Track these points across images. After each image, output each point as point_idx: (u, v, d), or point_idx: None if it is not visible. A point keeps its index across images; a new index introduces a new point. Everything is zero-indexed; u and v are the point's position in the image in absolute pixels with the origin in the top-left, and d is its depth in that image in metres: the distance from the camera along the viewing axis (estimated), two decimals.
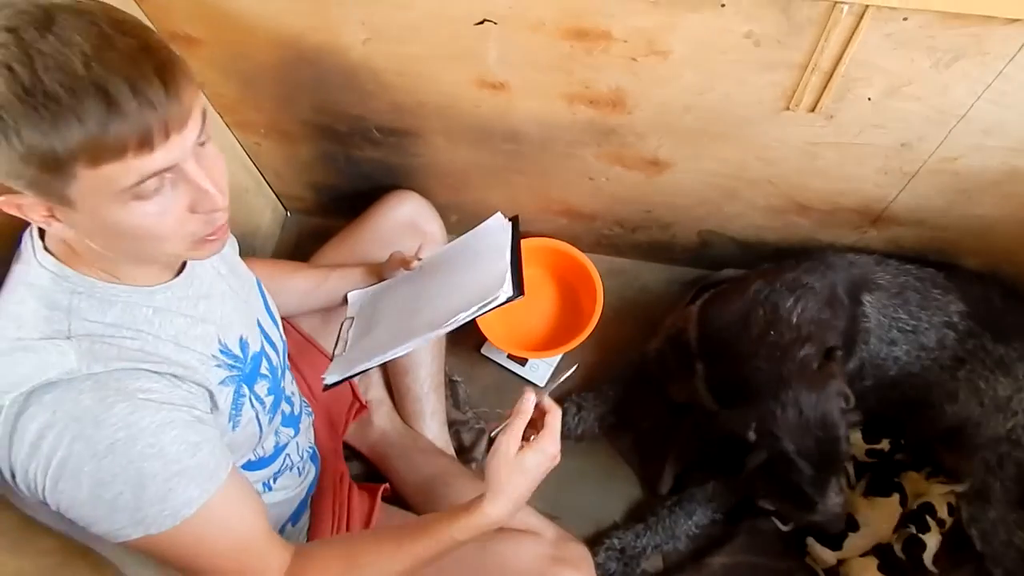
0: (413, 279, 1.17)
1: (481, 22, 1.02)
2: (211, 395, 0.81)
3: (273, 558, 0.83)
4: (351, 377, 1.06)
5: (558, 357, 1.55)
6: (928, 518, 1.29)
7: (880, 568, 1.28)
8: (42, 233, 0.75)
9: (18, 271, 0.75)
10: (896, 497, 1.33)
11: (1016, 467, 1.18)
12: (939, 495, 1.31)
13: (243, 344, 0.89)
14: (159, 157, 0.63)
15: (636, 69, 1.05)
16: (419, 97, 1.21)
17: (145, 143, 0.61)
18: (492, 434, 0.88)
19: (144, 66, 0.60)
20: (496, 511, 0.83)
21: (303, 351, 1.23)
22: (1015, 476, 1.18)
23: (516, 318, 1.58)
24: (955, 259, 1.36)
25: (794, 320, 1.16)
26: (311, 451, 1.13)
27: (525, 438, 0.85)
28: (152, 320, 0.77)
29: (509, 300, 0.98)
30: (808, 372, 1.11)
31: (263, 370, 0.94)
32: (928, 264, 1.32)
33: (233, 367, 0.86)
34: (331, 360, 1.12)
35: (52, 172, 0.61)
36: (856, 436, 1.36)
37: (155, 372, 0.74)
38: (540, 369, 1.54)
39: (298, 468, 1.07)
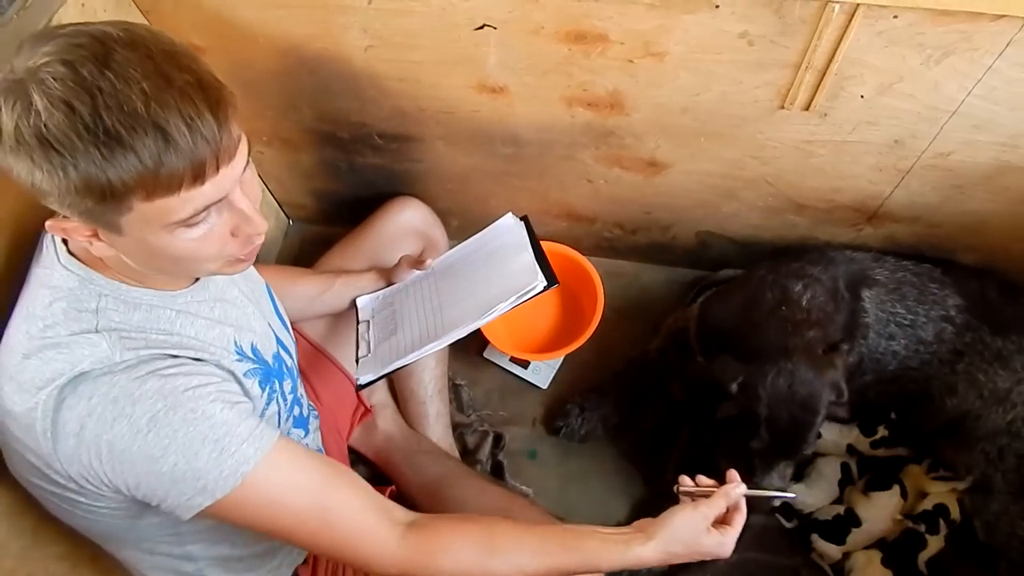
0: (428, 280, 1.20)
1: (481, 27, 1.04)
2: (239, 381, 0.81)
3: (378, 521, 0.78)
4: (388, 374, 1.10)
5: (560, 359, 1.56)
6: (941, 521, 1.29)
7: (884, 562, 1.29)
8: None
9: (41, 274, 0.77)
10: (896, 489, 1.33)
11: (1017, 459, 1.19)
12: (945, 492, 1.31)
13: (254, 349, 0.91)
14: (210, 189, 0.65)
15: (633, 71, 1.07)
16: (420, 103, 1.23)
17: (198, 176, 0.63)
18: (680, 491, 0.90)
19: (199, 103, 0.61)
20: (647, 555, 0.82)
21: (310, 358, 1.24)
22: (1016, 467, 1.18)
23: (518, 321, 1.59)
24: (951, 255, 1.38)
25: (804, 303, 1.17)
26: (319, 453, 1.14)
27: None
28: (175, 320, 0.79)
29: (545, 289, 1.05)
30: (813, 352, 1.12)
31: (284, 368, 0.96)
32: (924, 260, 1.33)
33: (250, 359, 0.87)
34: (356, 363, 1.16)
35: (107, 204, 0.62)
36: (855, 434, 1.37)
37: (183, 356, 0.76)
38: (542, 371, 1.55)
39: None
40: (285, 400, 0.94)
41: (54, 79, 0.58)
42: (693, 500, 0.87)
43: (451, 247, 1.34)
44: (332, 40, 1.12)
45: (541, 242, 1.55)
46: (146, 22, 1.15)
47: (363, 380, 1.11)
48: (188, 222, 0.66)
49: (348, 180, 1.52)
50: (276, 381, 0.91)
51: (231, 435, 0.72)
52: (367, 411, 1.33)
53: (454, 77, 1.15)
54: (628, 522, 1.37)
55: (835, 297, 1.21)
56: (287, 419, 0.96)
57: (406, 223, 1.37)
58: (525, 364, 1.55)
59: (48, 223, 0.69)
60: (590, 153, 1.29)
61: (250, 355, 0.88)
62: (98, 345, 0.71)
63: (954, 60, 0.96)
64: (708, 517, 0.84)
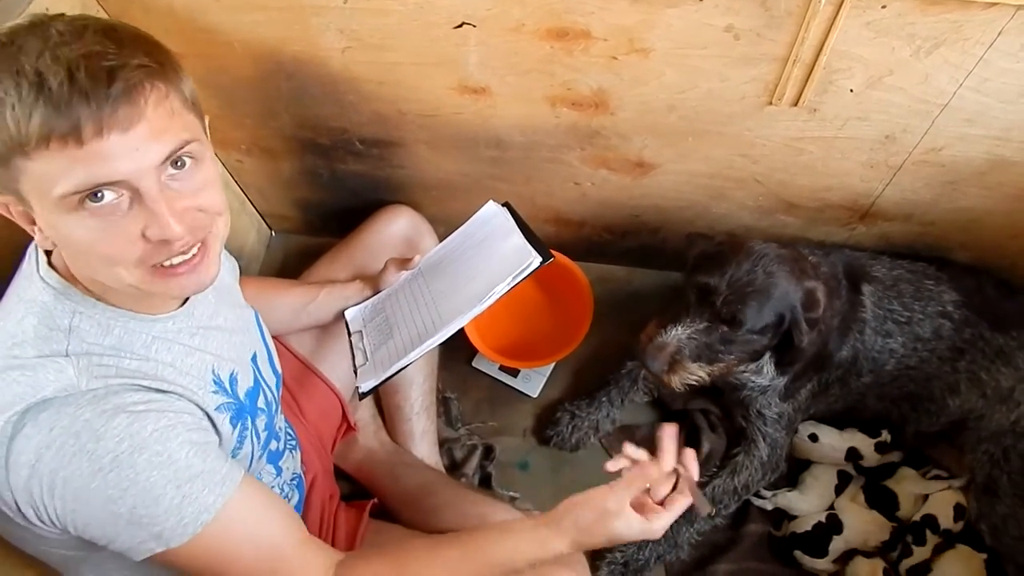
0: (418, 280, 1.18)
1: (460, 25, 1.01)
2: (210, 418, 0.79)
3: (313, 567, 0.79)
4: (390, 377, 1.07)
5: (550, 366, 1.53)
6: (928, 532, 1.26)
7: (886, 572, 1.25)
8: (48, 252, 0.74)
9: (18, 286, 0.74)
10: (876, 514, 1.31)
11: (1022, 459, 1.16)
12: (940, 494, 1.28)
13: (232, 379, 0.88)
14: (97, 162, 0.61)
15: (617, 68, 1.05)
16: (400, 106, 1.20)
17: (73, 134, 0.59)
18: (611, 469, 0.84)
19: (97, 61, 0.59)
20: (563, 548, 0.80)
21: (296, 373, 1.21)
22: (1021, 469, 1.16)
23: (507, 328, 1.56)
24: (945, 253, 1.36)
25: (805, 262, 1.14)
26: (294, 478, 1.10)
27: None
28: (150, 346, 0.75)
29: (542, 264, 1.03)
30: (795, 264, 1.09)
31: (260, 404, 0.92)
32: (919, 259, 1.31)
33: (226, 398, 0.85)
34: (355, 373, 1.12)
35: (25, 153, 0.60)
36: (860, 437, 1.34)
37: (153, 389, 0.72)
38: (532, 379, 1.52)
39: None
40: (259, 438, 0.90)
41: None
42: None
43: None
44: (308, 43, 1.10)
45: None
46: None
47: (365, 388, 1.07)
48: (82, 201, 0.62)
49: (330, 188, 1.49)
50: (249, 418, 0.88)
51: (194, 480, 0.70)
52: (351, 428, 1.30)
53: (434, 78, 1.12)
54: None
55: (835, 284, 1.18)
56: (260, 456, 0.93)
57: (397, 232, 1.34)
58: (515, 372, 1.52)
59: None
60: (576, 155, 1.27)
61: (227, 386, 0.85)
62: (64, 371, 0.68)
63: (945, 51, 0.94)
64: (621, 500, 0.79)
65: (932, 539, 1.25)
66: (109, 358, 0.71)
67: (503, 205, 1.19)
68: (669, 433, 0.85)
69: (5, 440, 0.66)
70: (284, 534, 0.78)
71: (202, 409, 0.78)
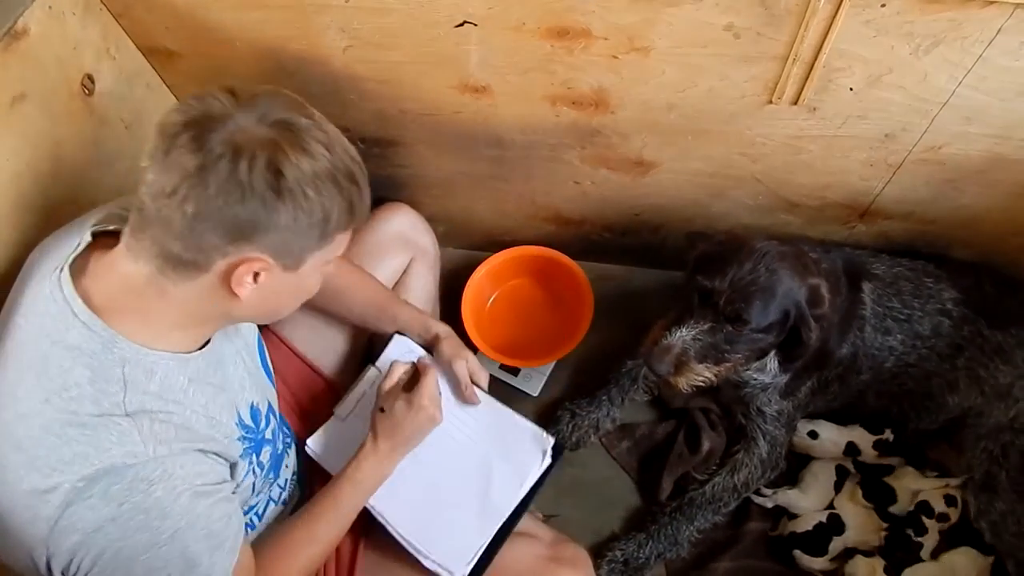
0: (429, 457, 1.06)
1: (461, 24, 1.01)
2: (232, 468, 0.84)
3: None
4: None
5: (551, 365, 1.53)
6: (924, 518, 1.26)
7: (887, 570, 1.26)
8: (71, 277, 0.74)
9: (43, 326, 0.71)
10: (873, 510, 1.31)
11: (1021, 456, 1.16)
12: (933, 488, 1.29)
13: (254, 412, 0.90)
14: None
15: (618, 67, 1.05)
16: (401, 105, 1.20)
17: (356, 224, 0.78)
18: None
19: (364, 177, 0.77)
20: (381, 453, 0.96)
21: (289, 363, 1.19)
22: (1020, 465, 1.16)
23: (507, 327, 1.56)
24: (945, 251, 1.36)
25: (804, 256, 1.13)
26: (295, 477, 1.10)
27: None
28: (187, 390, 0.77)
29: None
30: (796, 260, 1.09)
31: (268, 435, 0.94)
32: (919, 257, 1.31)
33: (247, 438, 0.87)
34: (332, 414, 1.09)
35: (324, 237, 0.74)
36: (859, 432, 1.35)
37: (203, 451, 0.77)
38: (533, 378, 1.52)
39: (283, 500, 1.05)
40: (262, 468, 0.92)
41: (305, 149, 0.70)
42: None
43: (441, 253, 1.32)
44: (310, 41, 1.10)
45: (529, 247, 1.54)
46: (118, 26, 1.12)
47: (309, 445, 1.07)
48: (328, 263, 0.79)
49: None
50: (254, 454, 0.90)
51: (222, 546, 0.76)
52: None
53: (435, 77, 1.13)
54: (624, 532, 1.37)
55: (835, 281, 1.18)
56: (264, 480, 0.95)
57: (395, 230, 1.32)
58: (515, 371, 1.52)
59: (242, 268, 0.71)
60: (576, 154, 1.27)
61: (249, 423, 0.88)
62: (129, 435, 0.69)
63: (944, 49, 0.94)
64: (385, 389, 1.00)
65: (931, 525, 1.25)
66: (161, 414, 0.73)
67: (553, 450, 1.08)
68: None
69: (64, 503, 0.67)
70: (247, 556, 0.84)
71: (229, 463, 0.82)
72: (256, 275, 0.72)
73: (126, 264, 0.72)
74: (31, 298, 0.74)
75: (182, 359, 0.77)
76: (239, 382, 0.89)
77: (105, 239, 0.78)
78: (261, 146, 0.67)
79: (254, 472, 0.90)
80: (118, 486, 0.67)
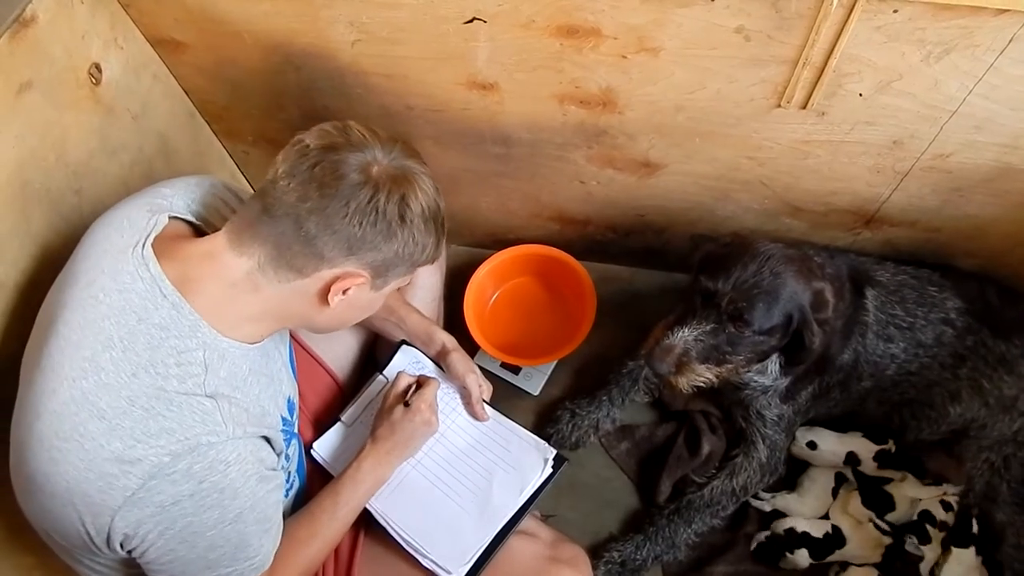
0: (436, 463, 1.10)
1: (471, 20, 1.01)
2: (279, 458, 0.88)
3: None
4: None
5: (552, 365, 1.53)
6: (928, 527, 1.26)
7: None
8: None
9: (135, 304, 0.74)
10: (871, 521, 1.30)
11: (1023, 468, 1.16)
12: (932, 497, 1.29)
13: (291, 405, 0.93)
14: None
15: (626, 67, 1.04)
16: (408, 100, 1.20)
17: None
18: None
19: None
20: (378, 457, 1.00)
21: (299, 359, 1.19)
22: (1022, 478, 1.16)
23: (509, 326, 1.56)
24: (950, 260, 1.35)
25: (809, 259, 1.14)
26: (298, 467, 1.10)
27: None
28: (247, 379, 0.81)
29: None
30: (801, 263, 1.09)
31: (295, 429, 0.97)
32: (924, 266, 1.31)
33: (285, 430, 0.89)
34: (339, 419, 1.13)
35: (415, 266, 0.85)
36: (860, 442, 1.34)
37: (267, 438, 0.82)
38: (534, 377, 1.52)
39: (284, 490, 1.05)
40: (288, 461, 0.95)
41: (424, 191, 0.81)
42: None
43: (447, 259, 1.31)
44: (318, 35, 1.10)
45: (533, 245, 1.53)
46: (127, 16, 1.12)
47: (315, 448, 1.10)
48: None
49: None
50: (287, 447, 0.92)
51: (268, 532, 0.82)
52: None
53: (443, 73, 1.12)
54: (622, 534, 1.37)
55: (839, 287, 1.17)
56: (284, 483, 0.96)
57: None
58: (516, 370, 1.52)
59: (344, 282, 0.80)
60: (582, 153, 1.27)
61: (288, 416, 0.92)
62: (211, 414, 0.73)
63: (955, 57, 0.93)
64: (389, 397, 1.04)
65: (935, 533, 1.25)
66: (234, 399, 0.77)
67: (555, 460, 1.09)
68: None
69: (144, 475, 0.69)
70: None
71: (278, 453, 0.86)
72: (347, 288, 0.80)
73: (229, 256, 0.78)
74: (110, 272, 0.77)
75: (245, 349, 0.81)
76: (280, 376, 0.92)
77: (175, 224, 0.85)
78: (395, 181, 0.78)
79: (285, 464, 0.93)
80: (200, 464, 0.71)
